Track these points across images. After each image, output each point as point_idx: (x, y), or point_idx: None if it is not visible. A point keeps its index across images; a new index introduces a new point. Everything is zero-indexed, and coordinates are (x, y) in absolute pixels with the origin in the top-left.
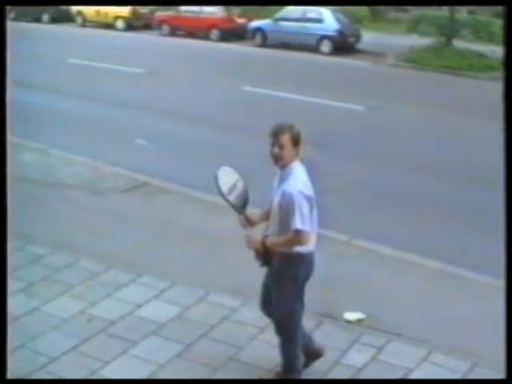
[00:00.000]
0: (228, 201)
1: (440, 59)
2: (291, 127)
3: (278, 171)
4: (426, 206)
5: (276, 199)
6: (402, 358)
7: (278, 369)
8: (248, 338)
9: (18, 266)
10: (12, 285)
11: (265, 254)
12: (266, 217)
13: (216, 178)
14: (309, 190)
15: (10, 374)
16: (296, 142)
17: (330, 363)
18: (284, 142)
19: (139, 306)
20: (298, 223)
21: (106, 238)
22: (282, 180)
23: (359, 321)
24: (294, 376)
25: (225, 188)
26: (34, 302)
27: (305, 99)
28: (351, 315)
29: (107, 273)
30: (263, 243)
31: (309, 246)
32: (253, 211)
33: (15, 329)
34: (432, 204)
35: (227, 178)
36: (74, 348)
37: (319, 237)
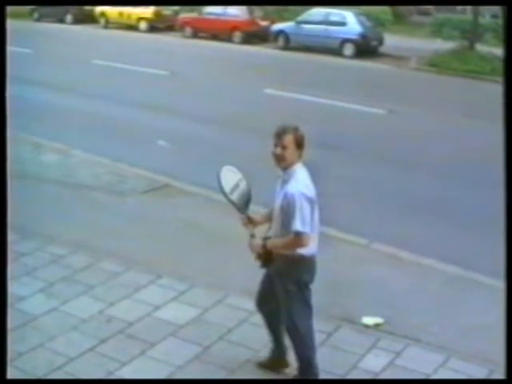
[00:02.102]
0: (229, 199)
1: (463, 63)
2: (295, 129)
3: (280, 173)
4: (445, 210)
5: (278, 201)
6: (419, 364)
7: (295, 372)
8: (265, 341)
9: (38, 265)
10: (32, 284)
11: (266, 257)
12: (269, 218)
13: (218, 177)
14: (311, 192)
15: (28, 374)
16: (299, 144)
17: (348, 367)
18: (287, 143)
19: (158, 308)
20: (298, 225)
21: (126, 239)
22: (285, 182)
23: (377, 325)
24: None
25: (227, 187)
26: (53, 302)
27: (326, 102)
28: (369, 319)
29: (126, 274)
30: (264, 246)
31: (311, 248)
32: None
33: (34, 328)
34: (451, 208)
35: (230, 177)
36: (92, 348)
37: (339, 240)
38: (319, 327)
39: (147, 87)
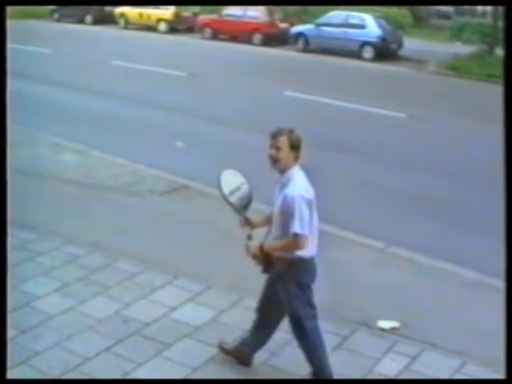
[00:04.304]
0: (227, 200)
1: (482, 67)
2: (291, 131)
3: (278, 177)
4: (463, 215)
5: (277, 204)
6: (435, 369)
7: (309, 376)
8: (281, 343)
9: (55, 265)
10: (48, 284)
11: (265, 260)
12: (268, 221)
13: (218, 179)
14: (309, 194)
15: (44, 373)
16: (294, 146)
17: (364, 371)
18: (281, 145)
19: (174, 309)
20: (297, 227)
21: (143, 240)
22: (283, 186)
23: (393, 329)
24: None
25: (226, 189)
26: (69, 302)
27: (346, 105)
28: (385, 323)
29: (143, 274)
30: (261, 248)
31: (310, 250)
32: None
33: (50, 328)
34: (470, 214)
35: (230, 180)
36: (108, 349)
37: (356, 244)
38: (335, 330)
39: (166, 88)
